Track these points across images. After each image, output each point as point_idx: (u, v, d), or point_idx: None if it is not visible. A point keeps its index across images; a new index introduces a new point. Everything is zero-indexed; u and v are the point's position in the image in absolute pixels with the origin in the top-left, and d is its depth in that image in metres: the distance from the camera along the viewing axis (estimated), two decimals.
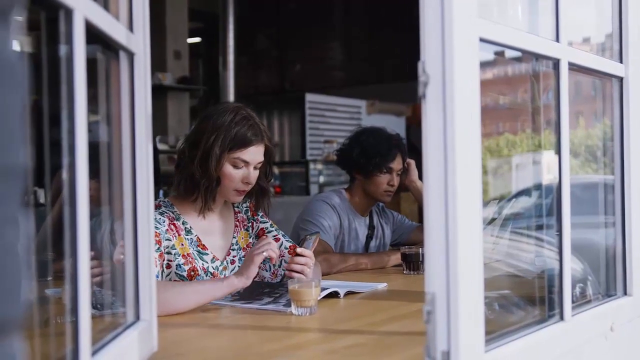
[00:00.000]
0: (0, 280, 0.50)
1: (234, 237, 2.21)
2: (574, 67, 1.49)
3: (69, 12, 0.95)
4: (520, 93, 1.93)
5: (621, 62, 1.71)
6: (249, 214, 2.28)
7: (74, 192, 0.95)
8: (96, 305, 1.26)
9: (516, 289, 1.71)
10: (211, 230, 2.16)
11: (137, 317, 1.31)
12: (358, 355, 1.42)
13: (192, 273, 2.05)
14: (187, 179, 2.08)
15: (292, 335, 1.62)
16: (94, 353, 1.04)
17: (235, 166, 2.06)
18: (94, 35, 1.05)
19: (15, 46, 0.53)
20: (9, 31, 0.51)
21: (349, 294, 2.07)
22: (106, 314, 1.38)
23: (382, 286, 2.24)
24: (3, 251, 0.50)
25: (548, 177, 1.78)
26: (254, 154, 2.07)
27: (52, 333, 1.15)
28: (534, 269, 1.85)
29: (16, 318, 0.52)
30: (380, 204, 3.06)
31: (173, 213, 2.10)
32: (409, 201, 5.95)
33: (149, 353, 1.34)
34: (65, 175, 0.96)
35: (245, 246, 2.23)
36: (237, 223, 2.24)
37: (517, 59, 1.62)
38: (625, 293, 1.71)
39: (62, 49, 0.96)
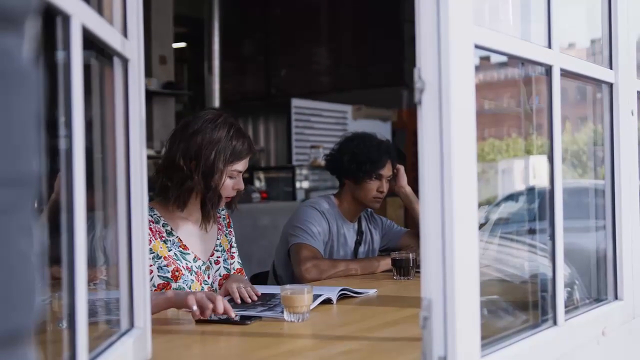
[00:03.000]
0: (15, 289, 0.50)
1: (218, 239, 2.30)
2: (565, 73, 1.50)
3: (66, 18, 0.94)
4: (506, 98, 1.94)
5: (611, 68, 1.73)
6: (225, 222, 2.37)
7: (71, 198, 0.95)
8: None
9: (508, 294, 1.71)
10: (194, 232, 2.23)
11: (132, 325, 1.30)
12: None
13: (177, 273, 2.11)
14: (185, 193, 2.13)
15: (286, 342, 1.61)
16: None
17: (231, 177, 2.18)
18: (88, 40, 1.05)
19: (29, 54, 0.52)
20: (23, 40, 0.51)
21: (342, 297, 2.07)
22: (99, 321, 1.37)
23: (372, 292, 2.24)
24: (17, 260, 0.50)
25: (535, 182, 1.79)
26: (246, 163, 2.21)
27: (46, 340, 1.14)
28: (523, 274, 1.86)
29: (30, 327, 0.51)
30: (369, 209, 3.06)
31: (152, 216, 2.14)
32: (394, 206, 5.96)
33: None
34: (61, 181, 0.96)
35: (226, 249, 2.32)
36: (220, 226, 2.33)
37: (503, 64, 1.63)
38: (616, 297, 1.72)
39: (59, 55, 0.96)
